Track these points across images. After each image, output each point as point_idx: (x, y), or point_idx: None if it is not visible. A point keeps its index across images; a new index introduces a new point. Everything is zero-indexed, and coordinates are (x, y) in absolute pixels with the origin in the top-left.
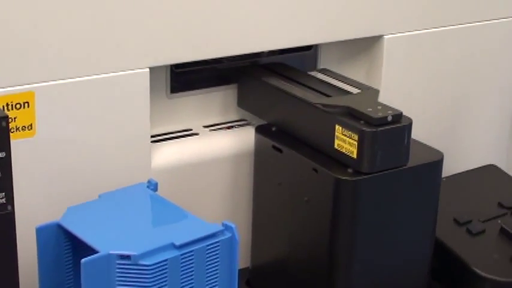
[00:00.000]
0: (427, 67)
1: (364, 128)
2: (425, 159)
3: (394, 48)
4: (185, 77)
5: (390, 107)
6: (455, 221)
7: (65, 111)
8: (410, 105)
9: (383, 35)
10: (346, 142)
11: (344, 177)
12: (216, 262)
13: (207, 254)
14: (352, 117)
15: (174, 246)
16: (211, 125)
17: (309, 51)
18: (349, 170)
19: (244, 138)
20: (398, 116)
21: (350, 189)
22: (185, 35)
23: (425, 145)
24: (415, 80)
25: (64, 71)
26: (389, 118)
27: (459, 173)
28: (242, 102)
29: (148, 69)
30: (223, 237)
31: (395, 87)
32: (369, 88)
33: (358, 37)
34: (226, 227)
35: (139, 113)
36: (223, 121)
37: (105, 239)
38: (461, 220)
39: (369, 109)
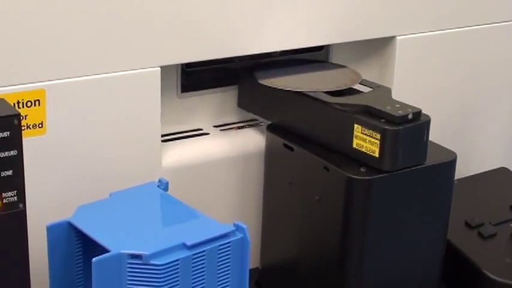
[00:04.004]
0: (439, 68)
1: (386, 127)
2: (438, 159)
3: (407, 49)
4: (196, 76)
5: (408, 105)
6: (467, 224)
7: (75, 109)
8: (422, 106)
9: (395, 36)
10: (366, 141)
11: (356, 176)
12: (227, 263)
13: (219, 254)
14: (371, 116)
15: (185, 246)
16: (222, 125)
17: (320, 52)
18: (362, 169)
19: (255, 138)
20: (418, 114)
21: (362, 189)
22: (196, 34)
23: (438, 145)
24: (427, 81)
25: (75, 69)
26: (410, 116)
27: (470, 176)
28: (244, 102)
29: (159, 68)
30: (234, 238)
31: (407, 88)
32: (379, 86)
33: (370, 38)
34: (238, 228)
35: (150, 111)
36: (234, 121)
37: (116, 238)
38: (473, 223)
39: (388, 107)
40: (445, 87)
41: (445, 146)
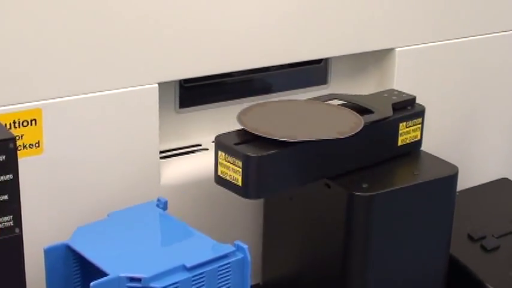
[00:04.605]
0: (438, 80)
1: (421, 109)
2: (440, 173)
3: (406, 61)
4: (194, 92)
5: (387, 90)
6: (469, 237)
7: (73, 128)
8: None
9: (394, 48)
10: (410, 132)
11: (358, 193)
12: (227, 283)
13: (219, 275)
14: (400, 110)
15: (185, 268)
16: None
17: (319, 65)
18: (364, 185)
19: None
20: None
21: (363, 205)
22: (194, 49)
23: (439, 159)
24: (426, 93)
25: (72, 88)
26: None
27: (472, 188)
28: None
29: (157, 85)
30: (234, 258)
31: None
32: (339, 95)
33: (369, 50)
34: (238, 248)
35: (148, 128)
36: None
37: (115, 261)
38: (476, 236)
39: (394, 98)
40: (445, 98)
41: (446, 157)
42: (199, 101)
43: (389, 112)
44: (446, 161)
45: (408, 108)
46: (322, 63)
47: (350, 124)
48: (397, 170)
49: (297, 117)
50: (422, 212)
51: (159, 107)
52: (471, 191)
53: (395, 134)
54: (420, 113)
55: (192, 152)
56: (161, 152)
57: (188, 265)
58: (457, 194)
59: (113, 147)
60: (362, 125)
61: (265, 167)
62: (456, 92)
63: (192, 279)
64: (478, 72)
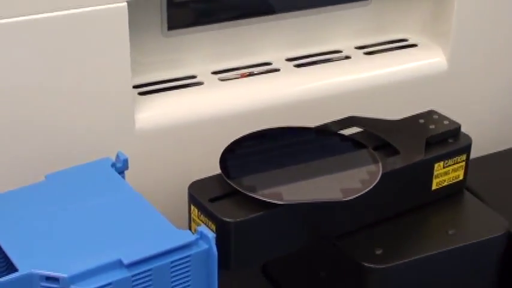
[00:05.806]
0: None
1: (467, 143)
2: (484, 233)
3: None
4: (187, 10)
5: (430, 112)
6: None
7: (24, 56)
8: (487, 48)
9: None
10: (450, 172)
11: (368, 264)
12: (186, 282)
13: (173, 273)
14: (436, 145)
15: (121, 265)
16: (222, 71)
17: None
18: (378, 252)
19: (265, 88)
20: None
21: (375, 279)
22: None
23: (486, 208)
24: (491, 18)
25: (26, 6)
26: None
27: None
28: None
29: (125, 3)
30: (196, 250)
31: (467, 27)
32: (360, 120)
33: None
34: (202, 236)
35: (117, 57)
36: (238, 66)
37: (32, 250)
38: None
39: (431, 126)
40: None
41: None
42: (194, 21)
43: (419, 154)
44: (494, 213)
45: (449, 142)
46: None
47: (363, 175)
48: (426, 226)
49: (297, 159)
50: (455, 282)
51: (142, 30)
52: None
53: (429, 176)
54: (465, 148)
55: (184, 86)
56: (143, 86)
57: (126, 261)
58: None
59: (73, 81)
60: (379, 177)
61: (246, 234)
62: None
63: (132, 279)
64: None
